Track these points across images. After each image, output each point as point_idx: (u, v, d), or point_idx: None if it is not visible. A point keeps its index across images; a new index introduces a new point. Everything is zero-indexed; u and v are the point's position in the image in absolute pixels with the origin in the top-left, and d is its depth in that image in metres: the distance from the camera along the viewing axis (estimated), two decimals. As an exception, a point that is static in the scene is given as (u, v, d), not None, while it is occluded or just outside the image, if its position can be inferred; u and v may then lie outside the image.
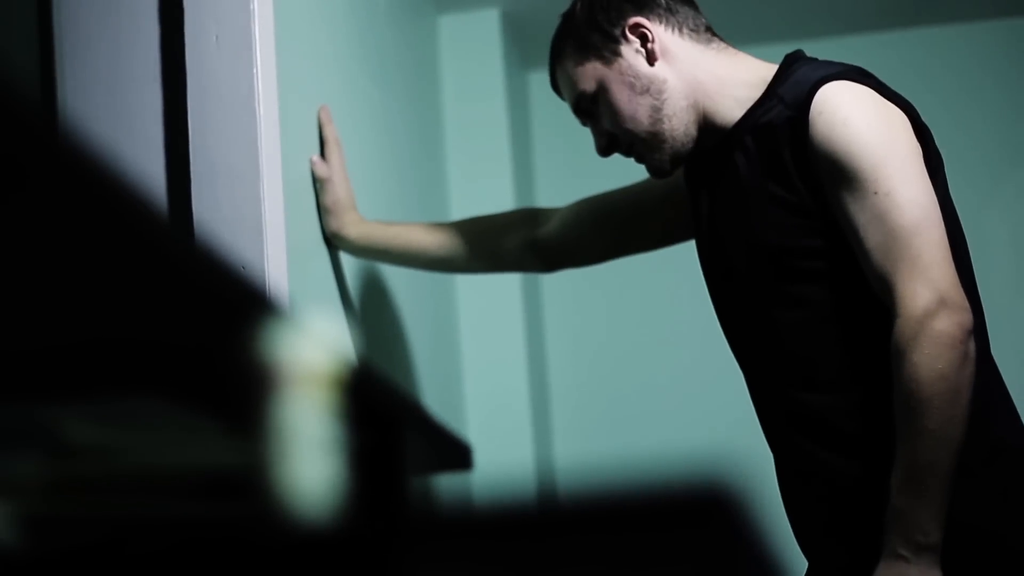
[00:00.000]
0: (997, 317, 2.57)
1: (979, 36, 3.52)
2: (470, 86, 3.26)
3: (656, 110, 1.83)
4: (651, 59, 1.84)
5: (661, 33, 1.84)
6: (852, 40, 3.52)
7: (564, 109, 1.99)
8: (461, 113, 3.23)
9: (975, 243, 1.84)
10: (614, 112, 1.85)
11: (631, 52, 1.84)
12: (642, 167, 1.90)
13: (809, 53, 1.88)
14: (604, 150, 1.90)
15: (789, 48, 1.88)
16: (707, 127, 1.84)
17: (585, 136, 1.96)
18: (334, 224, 2.09)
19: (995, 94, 3.52)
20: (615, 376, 3.55)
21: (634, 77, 1.83)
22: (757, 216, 1.76)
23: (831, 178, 1.68)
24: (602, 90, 1.85)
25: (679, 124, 1.82)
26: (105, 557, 0.66)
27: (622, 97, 1.84)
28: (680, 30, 1.86)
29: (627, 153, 1.89)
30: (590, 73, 1.86)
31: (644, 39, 1.84)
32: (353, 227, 2.10)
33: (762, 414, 1.87)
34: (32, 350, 0.67)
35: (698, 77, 1.83)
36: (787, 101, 1.74)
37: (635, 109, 1.83)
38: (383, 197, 2.45)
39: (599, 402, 3.53)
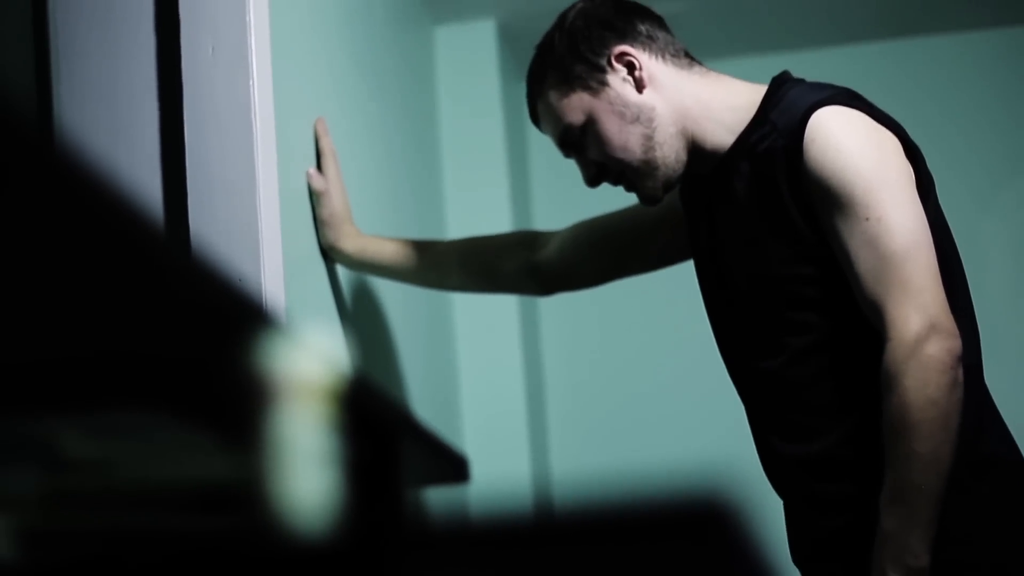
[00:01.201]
0: (996, 322, 2.58)
1: (978, 45, 3.53)
2: (466, 97, 3.26)
3: (647, 138, 1.81)
4: (639, 87, 1.82)
5: (646, 60, 1.83)
6: (852, 49, 3.52)
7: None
8: (457, 124, 3.23)
9: (974, 250, 1.84)
10: (604, 142, 1.83)
11: (618, 81, 1.82)
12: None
13: (810, 63, 1.89)
14: (593, 180, 1.88)
15: (790, 58, 1.88)
16: (696, 152, 1.83)
17: (581, 148, 1.96)
18: (330, 236, 2.09)
19: (994, 102, 3.52)
20: (611, 388, 3.55)
21: (623, 106, 1.82)
22: (757, 245, 1.76)
23: (824, 204, 1.68)
24: (591, 121, 1.83)
25: (670, 151, 1.81)
26: (102, 571, 0.66)
27: (612, 127, 1.82)
28: (663, 56, 1.84)
29: (616, 182, 1.87)
30: (576, 104, 1.84)
31: (631, 67, 1.82)
32: (349, 240, 2.09)
33: (758, 435, 1.86)
34: (28, 363, 0.67)
35: (684, 103, 1.82)
36: (780, 128, 1.73)
37: (626, 139, 1.81)
38: (379, 208, 2.45)
39: (595, 414, 3.53)
